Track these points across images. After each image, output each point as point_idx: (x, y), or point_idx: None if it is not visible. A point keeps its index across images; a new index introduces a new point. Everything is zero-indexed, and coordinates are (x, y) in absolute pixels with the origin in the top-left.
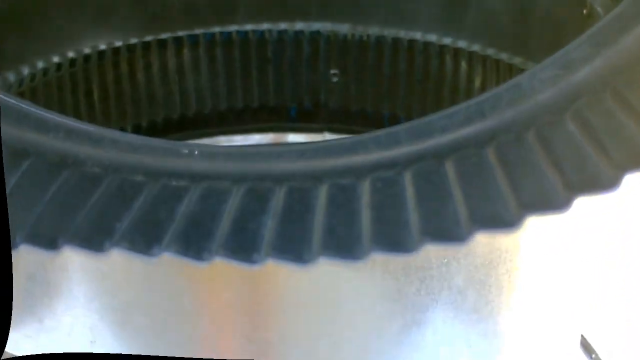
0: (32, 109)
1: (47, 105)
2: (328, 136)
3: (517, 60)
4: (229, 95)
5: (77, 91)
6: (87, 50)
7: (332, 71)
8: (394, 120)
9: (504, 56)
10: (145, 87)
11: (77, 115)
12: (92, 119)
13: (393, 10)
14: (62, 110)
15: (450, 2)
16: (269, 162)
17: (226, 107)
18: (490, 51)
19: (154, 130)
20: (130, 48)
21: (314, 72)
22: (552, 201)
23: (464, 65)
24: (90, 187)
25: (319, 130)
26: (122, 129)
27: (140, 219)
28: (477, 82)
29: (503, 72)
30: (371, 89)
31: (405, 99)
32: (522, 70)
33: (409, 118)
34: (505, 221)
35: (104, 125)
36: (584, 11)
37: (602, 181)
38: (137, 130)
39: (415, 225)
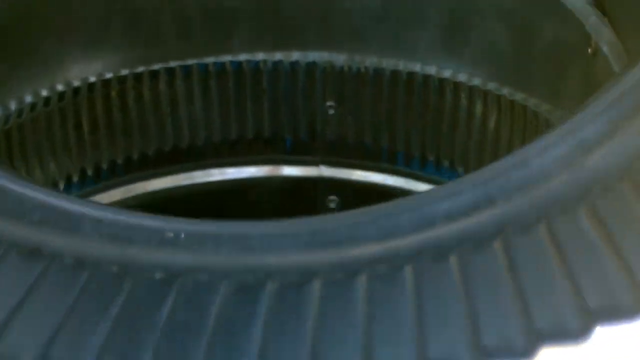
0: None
1: (36, 141)
2: (324, 169)
3: (519, 97)
4: (223, 127)
5: (66, 125)
6: (76, 83)
7: (329, 103)
8: (392, 155)
9: (505, 91)
10: (137, 118)
11: (67, 149)
12: (81, 152)
13: (391, 41)
14: (51, 146)
15: (450, 34)
16: (261, 252)
17: (220, 138)
18: (491, 86)
19: (145, 162)
20: (121, 79)
21: (309, 104)
22: (567, 330)
23: (464, 99)
24: (66, 286)
25: (315, 163)
26: (113, 162)
27: (116, 330)
28: (478, 117)
29: (504, 107)
30: (369, 121)
31: (404, 132)
32: (524, 107)
33: (408, 152)
34: (516, 351)
35: (94, 159)
36: (589, 50)
37: (623, 311)
38: (128, 162)
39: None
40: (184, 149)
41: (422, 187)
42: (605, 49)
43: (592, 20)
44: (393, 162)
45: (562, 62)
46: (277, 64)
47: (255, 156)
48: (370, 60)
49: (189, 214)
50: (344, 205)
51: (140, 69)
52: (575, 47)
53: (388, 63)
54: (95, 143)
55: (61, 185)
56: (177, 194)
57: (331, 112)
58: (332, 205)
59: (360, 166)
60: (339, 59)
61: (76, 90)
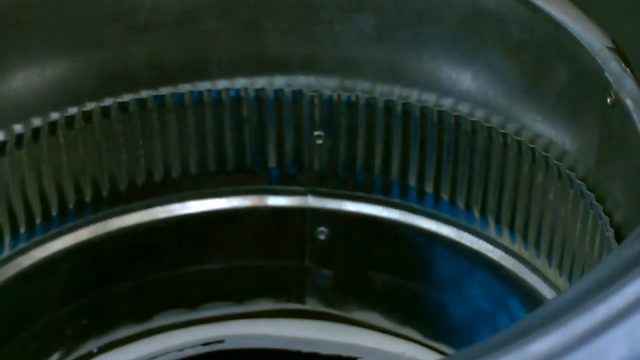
0: None
1: None
2: (311, 199)
3: (524, 136)
4: (201, 159)
5: (24, 174)
6: (36, 122)
7: (317, 133)
8: (386, 186)
9: (510, 129)
10: (106, 155)
11: (26, 201)
12: (43, 199)
13: (386, 67)
14: (7, 200)
15: (453, 61)
16: None
17: (198, 171)
18: (495, 120)
19: (116, 198)
20: (86, 115)
21: (296, 135)
22: None
23: (465, 133)
24: None
25: (302, 193)
26: (80, 201)
27: None
28: (480, 152)
29: (510, 146)
30: (361, 152)
31: (400, 164)
32: (531, 150)
33: (403, 184)
34: None
35: (59, 198)
36: (608, 100)
37: None
38: (98, 198)
39: None
40: (158, 182)
41: (418, 220)
42: (627, 101)
43: (612, 66)
44: (387, 193)
45: (578, 109)
46: (259, 92)
47: (238, 187)
48: (362, 85)
49: (168, 247)
50: (334, 237)
51: (108, 101)
52: (592, 93)
53: (382, 90)
54: (60, 187)
55: (22, 228)
56: (155, 228)
57: (320, 142)
58: (322, 236)
59: (352, 197)
60: (328, 84)
61: (36, 132)
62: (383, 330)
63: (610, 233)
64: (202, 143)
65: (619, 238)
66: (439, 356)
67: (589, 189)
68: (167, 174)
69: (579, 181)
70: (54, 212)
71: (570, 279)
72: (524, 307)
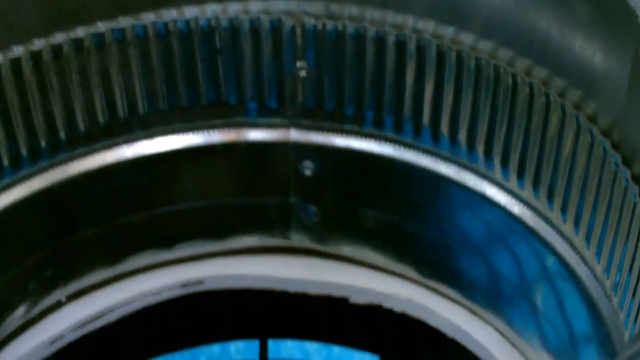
0: None
1: None
2: (294, 134)
3: (536, 77)
4: (170, 93)
5: None
6: None
7: (300, 64)
8: (379, 120)
9: (519, 65)
10: (60, 95)
11: None
12: None
13: None
14: None
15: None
16: None
17: (167, 106)
18: (502, 54)
19: (75, 139)
20: (35, 55)
21: (276, 66)
22: None
23: (468, 69)
24: None
25: (285, 127)
26: (34, 147)
27: None
28: (485, 91)
29: (520, 87)
30: (350, 86)
31: (394, 97)
32: (545, 95)
33: (398, 118)
34: None
35: (9, 153)
36: None
37: None
38: (55, 141)
39: None
40: (122, 120)
41: (415, 157)
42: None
43: None
44: (380, 127)
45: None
46: (232, 21)
47: (213, 121)
48: (350, 12)
49: (137, 188)
50: (320, 172)
51: (60, 37)
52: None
53: (373, 16)
54: (10, 132)
55: None
56: (121, 169)
57: (303, 74)
58: (307, 172)
59: (340, 131)
60: (311, 10)
61: None
62: (375, 267)
63: (632, 186)
64: (171, 77)
65: None
66: (436, 297)
67: (609, 140)
68: (132, 111)
69: (598, 131)
70: (5, 162)
71: (588, 237)
72: (529, 250)
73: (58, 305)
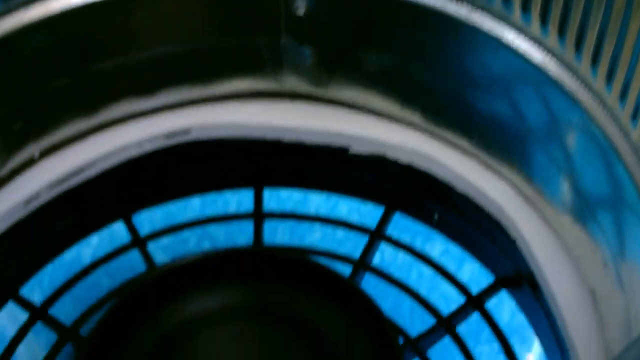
0: None
1: None
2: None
3: None
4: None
5: None
6: None
7: None
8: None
9: None
10: None
11: None
12: None
13: None
14: None
15: None
16: None
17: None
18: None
19: None
20: None
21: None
22: None
23: None
24: None
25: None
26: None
27: None
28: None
29: None
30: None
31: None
32: None
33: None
34: None
35: None
36: None
37: None
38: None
39: None
40: None
41: None
42: None
43: None
44: None
45: None
46: None
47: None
48: None
49: (109, 33)
50: (315, 11)
51: None
52: None
53: None
54: None
55: None
56: (89, 12)
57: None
58: (300, 12)
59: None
60: None
61: None
62: (378, 113)
63: None
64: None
65: None
66: (446, 147)
67: None
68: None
69: None
70: None
71: (623, 95)
72: (552, 101)
73: (31, 161)
